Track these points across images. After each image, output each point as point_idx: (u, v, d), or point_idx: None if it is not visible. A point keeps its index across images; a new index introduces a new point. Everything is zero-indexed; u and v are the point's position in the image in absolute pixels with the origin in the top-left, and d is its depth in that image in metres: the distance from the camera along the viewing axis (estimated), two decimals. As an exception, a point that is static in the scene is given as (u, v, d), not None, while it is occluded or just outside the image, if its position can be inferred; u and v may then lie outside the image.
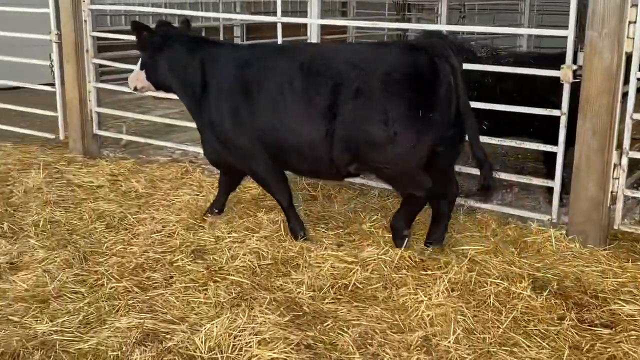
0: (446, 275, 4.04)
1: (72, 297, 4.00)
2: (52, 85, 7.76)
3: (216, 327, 3.47)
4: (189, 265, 4.38)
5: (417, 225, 4.94)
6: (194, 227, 5.06)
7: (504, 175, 5.38)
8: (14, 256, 4.57)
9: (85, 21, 7.29)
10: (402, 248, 4.46)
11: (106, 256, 4.60)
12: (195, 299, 3.95)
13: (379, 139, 4.23)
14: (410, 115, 4.19)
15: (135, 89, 5.29)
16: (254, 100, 4.60)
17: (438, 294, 3.82)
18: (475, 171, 4.65)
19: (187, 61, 4.89)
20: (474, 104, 4.75)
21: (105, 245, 4.78)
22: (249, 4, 12.54)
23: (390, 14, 14.67)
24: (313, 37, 10.22)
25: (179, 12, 7.58)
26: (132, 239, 4.90)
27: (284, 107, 4.49)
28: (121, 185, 6.10)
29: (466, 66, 4.97)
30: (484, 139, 4.82)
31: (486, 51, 6.22)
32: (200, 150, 5.43)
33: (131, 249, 4.70)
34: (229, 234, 4.89)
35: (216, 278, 4.16)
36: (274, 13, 7.29)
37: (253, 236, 4.81)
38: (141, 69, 5.14)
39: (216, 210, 5.28)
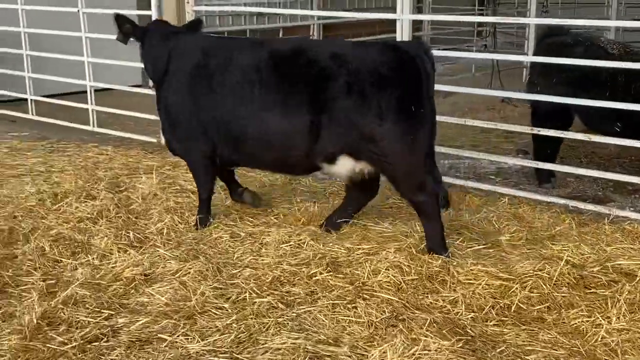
0: (619, 295, 3.72)
1: (217, 313, 3.83)
2: (142, 87, 7.71)
3: (389, 353, 3.25)
4: (330, 279, 4.17)
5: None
6: (320, 236, 4.86)
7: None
8: (146, 267, 4.43)
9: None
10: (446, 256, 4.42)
11: (239, 267, 4.43)
12: (345, 317, 3.74)
13: (374, 133, 4.35)
14: (403, 109, 4.32)
15: None
16: (217, 89, 4.73)
17: (618, 317, 3.51)
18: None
19: (158, 51, 5.04)
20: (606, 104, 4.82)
21: (235, 255, 4.62)
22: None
23: (466, 9, 14.34)
24: (404, 34, 10.00)
25: (280, 11, 7.45)
26: (260, 249, 4.73)
27: (254, 98, 4.58)
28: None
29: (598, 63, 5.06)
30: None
31: (618, 48, 5.85)
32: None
33: (263, 260, 4.52)
34: (358, 245, 4.67)
35: (363, 295, 3.94)
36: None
37: (385, 248, 4.57)
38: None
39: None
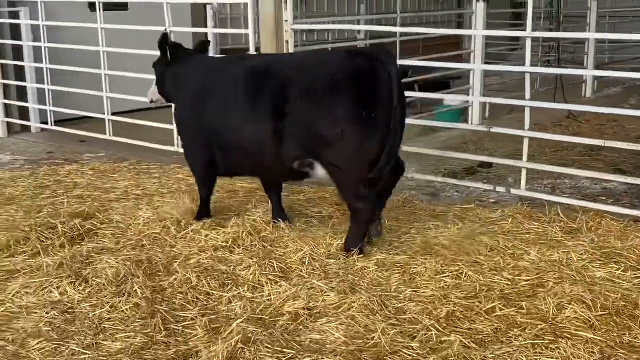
0: None
1: (409, 353, 3.61)
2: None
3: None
4: (513, 315, 3.95)
5: None
6: (474, 265, 4.65)
7: None
8: (305, 300, 4.22)
9: (287, 42, 7.04)
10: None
11: (403, 301, 4.22)
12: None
13: (327, 137, 4.61)
14: (355, 115, 4.54)
15: (152, 101, 5.98)
16: (210, 103, 5.15)
17: None
18: None
19: (178, 73, 5.57)
20: None
21: (392, 287, 4.41)
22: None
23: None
24: (477, 48, 9.84)
25: (397, 29, 7.29)
26: (413, 279, 4.52)
27: (234, 108, 4.99)
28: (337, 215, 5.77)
29: None
30: None
31: None
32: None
33: (424, 292, 4.31)
34: (518, 276, 4.46)
35: (562, 333, 3.72)
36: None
37: (547, 280, 4.36)
38: (156, 84, 5.83)
39: None
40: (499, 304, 4.06)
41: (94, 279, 4.53)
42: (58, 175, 7.53)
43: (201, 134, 5.26)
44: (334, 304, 4.17)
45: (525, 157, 6.09)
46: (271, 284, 4.44)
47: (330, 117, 4.60)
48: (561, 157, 8.16)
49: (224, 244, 5.04)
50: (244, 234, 5.14)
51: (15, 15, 9.91)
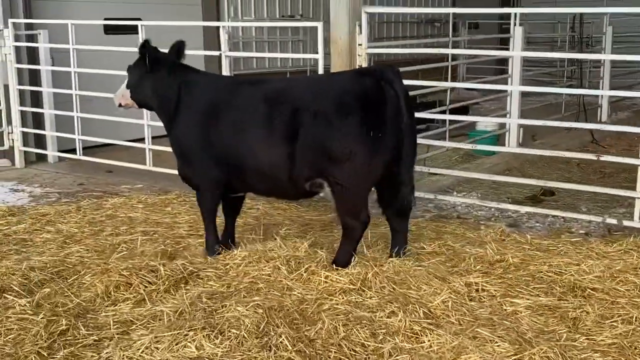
0: None
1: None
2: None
3: None
4: None
5: None
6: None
7: None
8: (473, 351, 3.83)
9: (361, 66, 6.70)
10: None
11: (587, 351, 3.87)
12: None
13: (336, 156, 4.69)
14: (363, 135, 4.62)
15: (120, 105, 5.73)
16: (221, 124, 5.06)
17: None
18: None
19: (168, 84, 5.32)
20: None
21: (563, 336, 4.04)
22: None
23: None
24: (515, 70, 9.66)
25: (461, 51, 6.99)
26: (574, 323, 4.19)
27: (248, 131, 4.94)
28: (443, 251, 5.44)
29: None
30: None
31: None
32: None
33: (601, 339, 3.97)
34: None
35: None
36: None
37: None
38: (127, 87, 5.57)
39: None
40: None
41: (230, 329, 4.04)
42: (105, 209, 7.01)
43: (210, 154, 5.14)
44: (510, 356, 3.78)
45: (639, 187, 5.82)
46: (427, 333, 4.02)
47: (340, 137, 4.66)
48: (613, 182, 8.05)
49: (352, 286, 4.60)
50: (370, 274, 4.71)
51: (32, 38, 9.33)
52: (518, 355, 3.77)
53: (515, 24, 9.60)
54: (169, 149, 6.79)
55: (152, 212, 6.88)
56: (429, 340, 3.96)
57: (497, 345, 3.88)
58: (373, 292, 4.55)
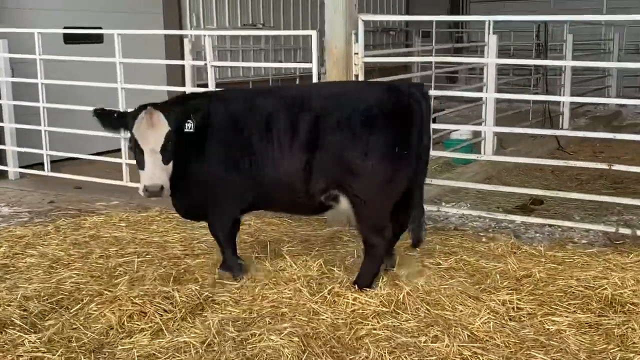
0: None
1: None
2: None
3: None
4: None
5: None
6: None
7: None
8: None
9: (357, 75, 6.47)
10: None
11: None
12: None
13: (357, 167, 4.53)
14: (388, 149, 4.52)
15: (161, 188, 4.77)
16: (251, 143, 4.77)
17: None
18: None
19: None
20: None
21: (617, 356, 3.89)
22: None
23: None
24: (490, 78, 9.63)
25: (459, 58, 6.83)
26: (622, 341, 4.05)
27: (273, 144, 4.70)
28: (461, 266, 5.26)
29: None
30: None
31: None
32: None
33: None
34: None
35: None
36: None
37: None
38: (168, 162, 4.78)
39: None
40: None
41: (269, 362, 3.73)
42: (86, 229, 6.57)
43: (237, 179, 4.84)
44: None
45: (652, 196, 5.76)
46: (479, 358, 3.81)
47: (363, 149, 4.51)
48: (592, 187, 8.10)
49: (384, 309, 4.35)
50: (401, 295, 4.46)
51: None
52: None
53: (489, 32, 9.53)
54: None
55: (138, 231, 6.47)
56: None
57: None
58: (409, 315, 4.30)
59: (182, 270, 5.31)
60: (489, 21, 9.46)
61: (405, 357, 3.79)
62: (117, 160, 7.93)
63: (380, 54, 7.75)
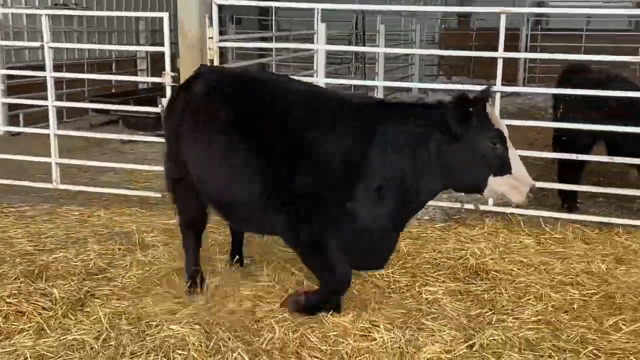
0: None
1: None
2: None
3: None
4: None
5: None
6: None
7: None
8: None
9: (212, 60, 6.41)
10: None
11: None
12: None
13: None
14: None
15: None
16: None
17: None
18: None
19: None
20: None
21: None
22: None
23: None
24: (320, 64, 9.97)
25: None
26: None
27: None
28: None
29: None
30: None
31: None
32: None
33: None
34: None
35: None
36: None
37: None
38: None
39: None
40: None
41: (176, 351, 3.64)
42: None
43: None
44: (462, 342, 3.90)
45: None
46: (377, 329, 3.99)
47: None
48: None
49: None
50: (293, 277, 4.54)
51: None
52: (472, 341, 3.89)
53: (318, 20, 9.81)
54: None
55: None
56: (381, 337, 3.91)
57: (446, 334, 3.97)
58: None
59: (42, 267, 4.94)
60: (317, 9, 9.74)
61: (309, 334, 3.87)
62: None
63: (235, 39, 7.68)
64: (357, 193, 3.83)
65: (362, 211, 3.83)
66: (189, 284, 4.39)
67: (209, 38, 6.37)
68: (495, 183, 3.79)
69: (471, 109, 3.72)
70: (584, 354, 3.82)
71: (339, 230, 3.88)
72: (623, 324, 4.13)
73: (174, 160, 4.42)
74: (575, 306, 4.40)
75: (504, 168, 3.77)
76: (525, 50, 15.84)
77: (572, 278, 4.82)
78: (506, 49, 5.97)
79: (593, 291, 4.62)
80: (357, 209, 3.83)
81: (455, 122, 3.73)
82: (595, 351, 3.84)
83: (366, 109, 4.08)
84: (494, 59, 6.02)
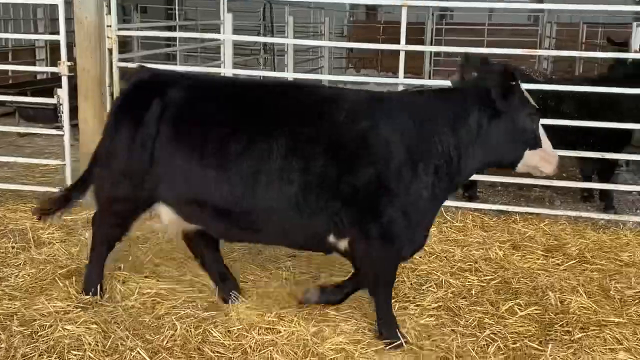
0: None
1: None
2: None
3: None
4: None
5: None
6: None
7: None
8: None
9: (111, 50, 6.20)
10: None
11: None
12: None
13: None
14: None
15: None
16: None
17: None
18: None
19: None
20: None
21: None
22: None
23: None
24: (227, 53, 9.91)
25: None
26: None
27: None
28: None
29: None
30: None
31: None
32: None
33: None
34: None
35: None
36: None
37: None
38: None
39: None
40: None
41: (71, 352, 3.52)
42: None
43: None
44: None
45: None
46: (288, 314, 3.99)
47: None
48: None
49: (180, 287, 4.34)
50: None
51: None
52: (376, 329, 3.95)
53: (224, 10, 9.68)
54: None
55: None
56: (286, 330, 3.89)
57: (351, 324, 4.02)
58: (209, 291, 4.30)
59: None
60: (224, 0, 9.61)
61: (212, 329, 3.82)
62: None
63: (136, 27, 7.45)
64: (420, 175, 3.73)
65: (424, 193, 3.75)
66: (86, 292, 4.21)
67: (107, 26, 6.16)
68: (530, 156, 3.88)
69: (513, 84, 3.76)
70: (482, 338, 3.92)
71: (406, 215, 3.75)
72: (518, 308, 4.27)
73: (131, 178, 3.92)
74: (473, 292, 4.52)
75: (537, 142, 3.87)
76: (431, 44, 16.13)
77: (471, 265, 4.94)
78: (412, 43, 6.05)
79: (490, 277, 4.76)
80: (421, 192, 3.74)
81: (500, 98, 3.75)
82: (492, 335, 3.96)
83: (412, 97, 4.14)
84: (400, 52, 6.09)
